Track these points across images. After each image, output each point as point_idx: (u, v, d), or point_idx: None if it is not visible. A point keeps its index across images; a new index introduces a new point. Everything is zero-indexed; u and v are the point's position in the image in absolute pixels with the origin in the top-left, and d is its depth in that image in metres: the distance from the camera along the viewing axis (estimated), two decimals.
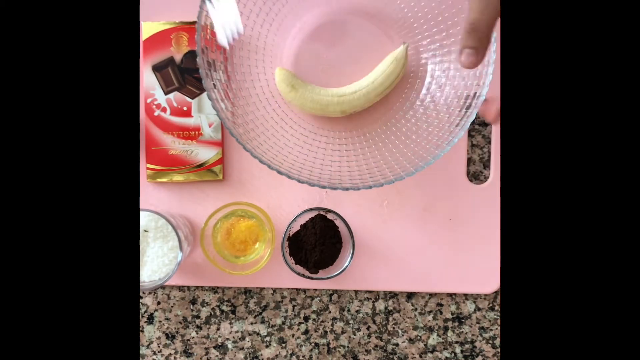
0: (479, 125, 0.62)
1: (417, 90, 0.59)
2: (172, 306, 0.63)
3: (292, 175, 0.51)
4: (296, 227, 0.60)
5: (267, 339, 0.63)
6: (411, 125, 0.58)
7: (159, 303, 0.62)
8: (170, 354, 0.63)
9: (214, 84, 0.51)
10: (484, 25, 0.48)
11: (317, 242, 0.58)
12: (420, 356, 0.63)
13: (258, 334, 0.62)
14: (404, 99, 0.60)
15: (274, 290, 0.63)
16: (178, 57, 0.60)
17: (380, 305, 0.63)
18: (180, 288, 0.63)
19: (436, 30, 0.56)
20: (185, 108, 0.60)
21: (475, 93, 0.52)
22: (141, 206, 0.60)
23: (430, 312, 0.63)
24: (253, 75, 0.58)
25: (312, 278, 0.59)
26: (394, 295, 0.63)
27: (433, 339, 0.63)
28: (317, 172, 0.54)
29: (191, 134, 0.60)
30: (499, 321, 0.63)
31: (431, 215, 0.62)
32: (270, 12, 0.58)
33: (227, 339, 0.63)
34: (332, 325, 0.63)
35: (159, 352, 0.63)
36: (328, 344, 0.63)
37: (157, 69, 0.60)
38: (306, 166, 0.55)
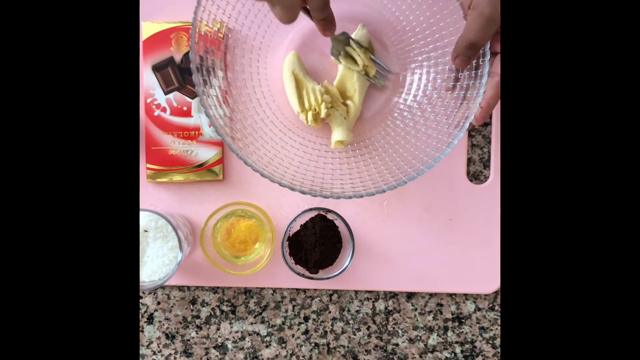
0: (479, 125, 0.62)
1: (414, 94, 0.59)
2: (172, 306, 0.63)
3: (295, 187, 0.51)
4: (296, 227, 0.60)
5: (267, 339, 0.63)
6: (410, 129, 0.58)
7: (159, 303, 0.62)
8: (170, 354, 0.63)
9: (210, 102, 0.52)
10: (483, 43, 0.48)
11: (317, 242, 0.58)
12: (420, 356, 0.63)
13: (258, 334, 0.62)
14: (401, 102, 0.60)
15: (274, 290, 0.63)
16: (178, 57, 0.60)
17: (380, 305, 0.62)
18: (180, 288, 0.63)
19: (429, 32, 0.56)
20: (185, 108, 0.60)
21: (472, 93, 0.52)
22: (141, 206, 0.60)
23: (430, 312, 0.63)
24: (249, 88, 0.58)
25: (312, 278, 0.59)
26: (394, 295, 0.63)
27: (433, 339, 0.63)
28: (319, 181, 0.54)
29: (191, 134, 0.60)
30: (499, 321, 0.63)
31: (431, 215, 0.62)
32: (261, 24, 0.58)
33: (227, 339, 0.63)
34: (332, 325, 0.62)
35: (159, 352, 0.63)
36: (328, 344, 0.63)
37: (157, 69, 0.60)
38: (308, 176, 0.55)
